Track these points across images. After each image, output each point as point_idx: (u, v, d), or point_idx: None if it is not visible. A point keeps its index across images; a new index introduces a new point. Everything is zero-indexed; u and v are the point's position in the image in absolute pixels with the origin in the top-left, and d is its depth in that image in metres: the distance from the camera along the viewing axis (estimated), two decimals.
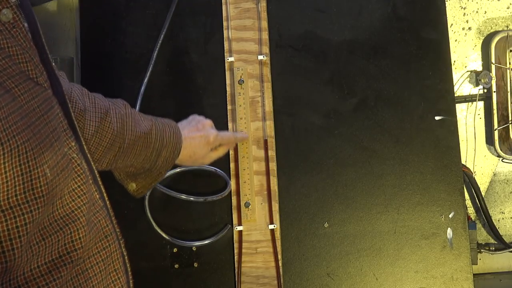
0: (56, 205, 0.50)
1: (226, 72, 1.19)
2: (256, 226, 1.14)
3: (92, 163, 0.59)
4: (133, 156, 0.87)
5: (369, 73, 1.17)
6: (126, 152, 0.86)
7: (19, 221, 0.45)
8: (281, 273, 1.12)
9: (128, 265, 0.63)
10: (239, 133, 1.12)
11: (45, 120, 0.49)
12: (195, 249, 1.15)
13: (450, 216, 1.12)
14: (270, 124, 1.16)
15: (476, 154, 1.40)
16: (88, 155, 0.58)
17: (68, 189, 0.52)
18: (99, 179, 0.60)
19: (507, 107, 1.33)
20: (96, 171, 0.60)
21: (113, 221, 0.62)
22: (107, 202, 0.61)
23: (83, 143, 0.58)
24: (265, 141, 1.15)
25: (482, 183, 1.40)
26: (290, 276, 1.13)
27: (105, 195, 0.61)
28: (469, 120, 1.40)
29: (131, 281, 0.64)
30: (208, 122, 0.99)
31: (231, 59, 1.18)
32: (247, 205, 1.14)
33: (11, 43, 0.49)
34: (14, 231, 0.45)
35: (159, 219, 1.16)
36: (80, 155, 0.56)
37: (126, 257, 0.63)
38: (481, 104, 1.40)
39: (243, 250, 1.13)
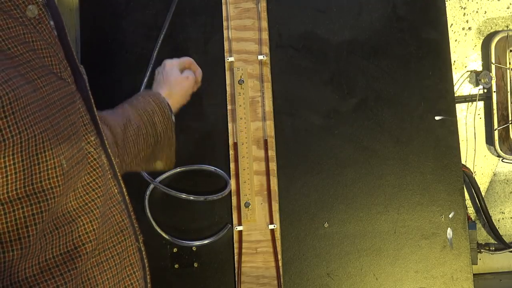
0: (69, 197, 0.51)
1: (226, 72, 1.19)
2: (256, 226, 1.14)
3: (113, 158, 0.60)
4: (133, 144, 0.89)
5: (369, 73, 1.17)
6: (125, 145, 0.88)
7: (35, 208, 0.46)
8: (281, 273, 1.12)
9: (145, 260, 0.64)
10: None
11: (64, 113, 0.51)
12: (195, 249, 1.15)
13: (450, 216, 1.12)
14: (270, 124, 1.16)
15: (476, 154, 1.40)
16: (109, 150, 0.60)
17: (82, 183, 0.53)
18: (119, 174, 0.61)
19: (507, 107, 1.33)
20: (116, 167, 0.61)
21: (131, 216, 0.63)
22: (126, 198, 0.62)
23: (104, 138, 0.59)
24: (265, 141, 1.15)
25: (482, 183, 1.40)
26: (290, 276, 1.13)
27: (124, 190, 0.62)
28: (469, 120, 1.40)
29: (148, 277, 0.64)
30: (168, 64, 1.02)
31: (231, 59, 1.18)
32: (247, 205, 1.14)
33: (36, 37, 0.50)
34: (30, 218, 0.46)
35: (159, 219, 1.16)
36: (99, 149, 0.57)
37: (144, 253, 0.64)
38: (481, 104, 1.40)
39: (243, 250, 1.13)
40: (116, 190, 0.60)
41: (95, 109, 0.59)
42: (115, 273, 0.57)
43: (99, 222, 0.54)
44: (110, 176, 0.59)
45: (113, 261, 0.57)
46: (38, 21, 0.51)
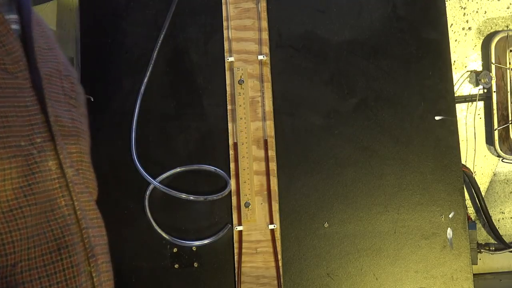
0: None
1: (226, 72, 1.19)
2: (256, 226, 1.14)
3: (68, 169, 0.53)
4: None
5: (369, 73, 1.17)
6: None
7: None
8: (281, 273, 1.12)
9: None
10: None
11: None
12: (195, 249, 1.15)
13: (450, 216, 1.12)
14: (270, 124, 1.16)
15: (476, 154, 1.40)
16: (63, 159, 0.52)
17: (13, 185, 0.47)
18: (73, 186, 0.53)
19: (507, 107, 1.33)
20: (72, 177, 0.53)
21: (83, 234, 0.53)
22: (78, 213, 0.53)
23: (57, 146, 0.52)
24: (265, 141, 1.15)
25: (482, 183, 1.40)
26: (290, 276, 1.13)
27: (76, 204, 0.53)
28: (469, 120, 1.40)
29: None
30: None
31: (231, 59, 1.18)
32: (247, 205, 1.14)
33: None
34: None
35: (159, 219, 1.16)
36: (45, 154, 0.51)
37: (95, 278, 0.54)
38: (481, 104, 1.40)
39: (243, 250, 1.13)
40: (63, 202, 0.52)
41: (50, 115, 0.52)
42: None
43: (21, 233, 0.47)
44: (57, 186, 0.52)
45: (39, 283, 0.48)
46: None
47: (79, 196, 0.54)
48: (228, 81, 1.18)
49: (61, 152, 0.52)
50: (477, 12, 1.39)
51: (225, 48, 1.19)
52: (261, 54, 1.18)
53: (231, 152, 1.16)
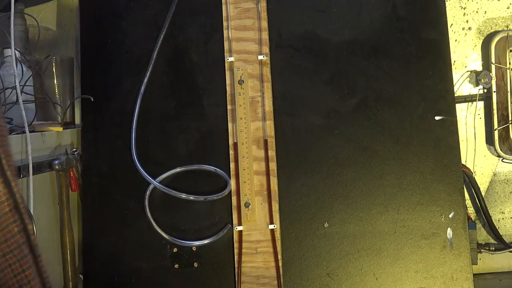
0: None
1: (226, 72, 1.19)
2: (256, 226, 1.14)
3: (16, 188, 0.44)
4: None
5: (369, 73, 1.17)
6: None
7: None
8: (281, 273, 1.12)
9: None
10: None
11: None
12: (195, 249, 1.15)
13: (450, 216, 1.12)
14: (270, 124, 1.16)
15: (476, 154, 1.40)
16: (11, 177, 0.43)
17: None
18: (22, 205, 0.44)
19: (507, 107, 1.33)
20: (22, 197, 0.44)
21: (38, 263, 0.45)
22: (32, 238, 0.45)
23: (2, 160, 0.43)
24: (265, 141, 1.15)
25: (482, 183, 1.40)
26: (290, 276, 1.12)
27: (29, 227, 0.45)
28: (469, 120, 1.40)
29: None
30: None
31: (231, 59, 1.18)
32: (247, 205, 1.14)
33: None
34: None
35: (159, 219, 1.16)
36: None
37: None
38: (481, 104, 1.40)
39: (243, 250, 1.13)
40: (16, 229, 0.43)
41: None
42: None
43: None
44: (7, 210, 0.43)
45: None
46: None
47: (26, 216, 0.46)
48: (228, 81, 1.18)
49: (7, 168, 0.43)
50: (477, 12, 1.39)
51: (225, 48, 1.19)
52: (261, 54, 1.18)
53: (231, 152, 1.16)
